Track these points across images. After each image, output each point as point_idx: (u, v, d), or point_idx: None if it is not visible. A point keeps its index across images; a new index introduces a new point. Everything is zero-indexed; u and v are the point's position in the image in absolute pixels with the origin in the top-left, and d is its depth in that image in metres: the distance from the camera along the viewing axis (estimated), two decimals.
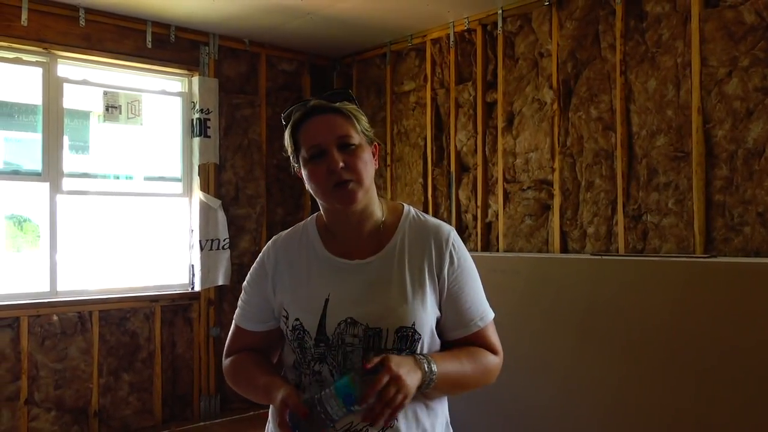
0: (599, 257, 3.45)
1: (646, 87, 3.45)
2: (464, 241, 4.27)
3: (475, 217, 4.25)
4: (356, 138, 1.36)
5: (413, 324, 1.33)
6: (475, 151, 4.24)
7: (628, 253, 3.47)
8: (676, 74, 3.34)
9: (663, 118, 3.38)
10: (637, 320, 3.15)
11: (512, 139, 4.05)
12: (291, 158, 1.44)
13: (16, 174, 4.12)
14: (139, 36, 4.23)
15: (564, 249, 3.76)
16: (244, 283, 1.52)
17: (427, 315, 1.35)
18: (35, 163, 4.02)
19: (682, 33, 3.31)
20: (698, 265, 3.04)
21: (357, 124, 1.38)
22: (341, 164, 1.33)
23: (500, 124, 4.09)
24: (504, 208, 4.07)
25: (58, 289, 3.96)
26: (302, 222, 1.53)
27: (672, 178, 3.34)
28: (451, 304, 1.39)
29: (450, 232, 1.43)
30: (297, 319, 1.37)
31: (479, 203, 4.20)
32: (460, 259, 1.41)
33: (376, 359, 1.21)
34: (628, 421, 3.15)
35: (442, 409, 1.43)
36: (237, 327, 1.51)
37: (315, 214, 1.51)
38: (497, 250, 4.08)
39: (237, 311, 1.51)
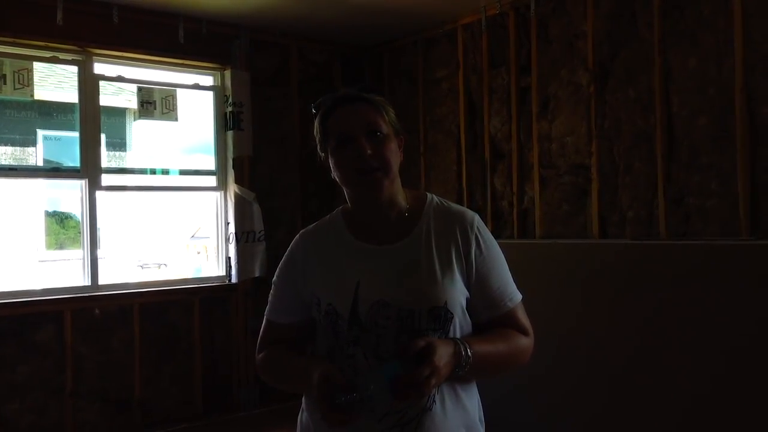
0: (640, 242, 3.37)
1: (686, 66, 3.35)
2: (500, 228, 4.22)
3: (510, 204, 4.19)
4: (384, 128, 1.40)
5: (445, 303, 1.35)
6: (510, 137, 4.18)
7: (671, 237, 3.39)
8: (717, 52, 3.23)
9: (704, 97, 3.28)
10: (681, 305, 3.07)
11: (547, 124, 3.98)
12: (318, 147, 1.47)
13: (56, 171, 4.21)
14: (172, 31, 4.26)
15: (603, 234, 3.69)
16: (274, 278, 1.55)
17: (457, 295, 1.38)
18: (74, 161, 4.09)
19: (723, 8, 3.20)
20: (744, 248, 2.94)
21: (385, 115, 1.41)
22: (369, 151, 1.35)
23: (535, 109, 4.02)
24: (540, 194, 4.00)
25: (100, 283, 4.04)
26: (327, 216, 1.55)
27: (715, 159, 3.24)
28: (480, 286, 1.41)
29: (474, 216, 1.46)
30: (329, 304, 1.39)
31: (515, 190, 4.14)
32: (486, 242, 1.44)
33: (422, 343, 1.23)
34: (670, 409, 3.08)
35: (474, 390, 1.46)
36: (268, 321, 1.54)
37: (339, 207, 1.54)
38: (534, 237, 4.02)
39: (268, 306, 1.54)
